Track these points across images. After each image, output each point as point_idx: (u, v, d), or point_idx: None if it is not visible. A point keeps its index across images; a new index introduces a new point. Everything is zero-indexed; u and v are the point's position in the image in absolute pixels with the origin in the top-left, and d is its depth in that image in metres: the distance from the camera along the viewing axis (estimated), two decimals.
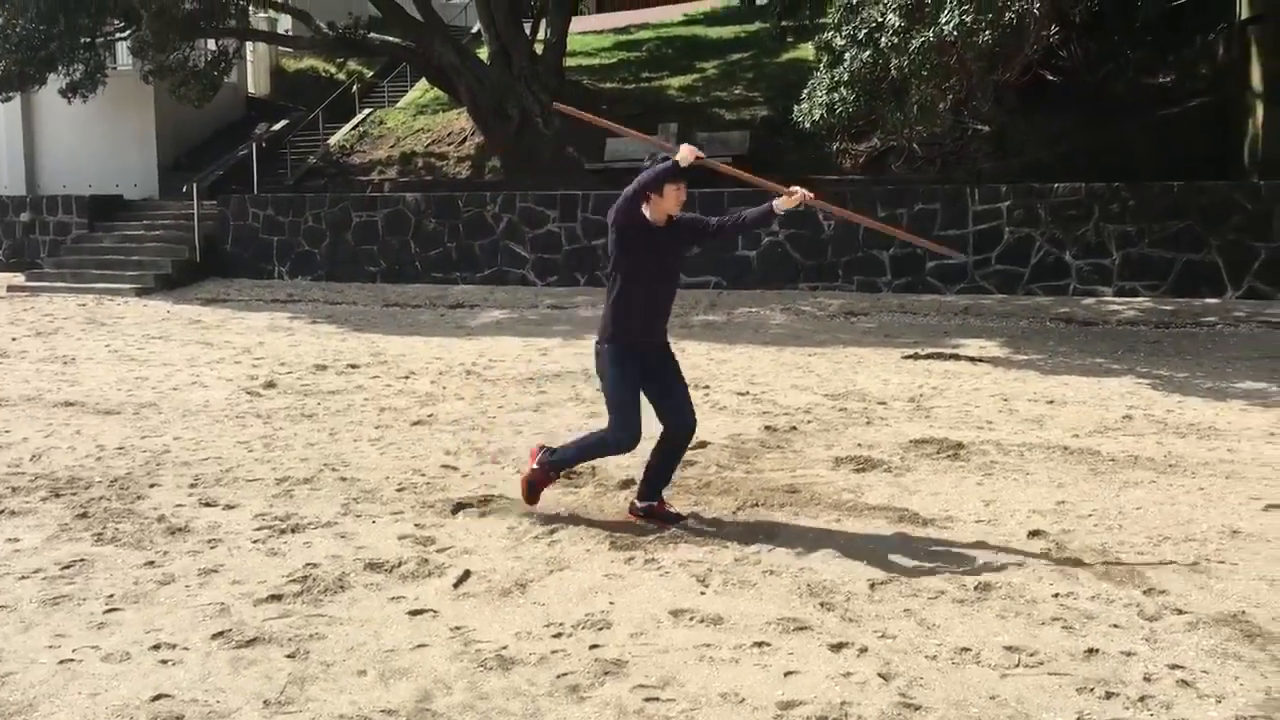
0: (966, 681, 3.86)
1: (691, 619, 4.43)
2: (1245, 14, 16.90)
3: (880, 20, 12.60)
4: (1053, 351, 11.34)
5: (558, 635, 4.30)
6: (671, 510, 5.77)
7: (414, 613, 4.54)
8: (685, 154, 5.25)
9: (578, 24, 26.28)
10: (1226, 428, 7.82)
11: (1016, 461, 6.91)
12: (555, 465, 5.79)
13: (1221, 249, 13.95)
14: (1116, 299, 14.21)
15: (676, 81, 23.16)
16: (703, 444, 7.19)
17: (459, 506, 6.02)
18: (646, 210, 5.46)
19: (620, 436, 5.48)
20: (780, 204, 5.51)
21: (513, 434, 7.87)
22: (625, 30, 28.86)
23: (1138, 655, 4.04)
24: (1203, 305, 13.53)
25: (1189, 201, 14.13)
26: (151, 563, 5.17)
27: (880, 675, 3.91)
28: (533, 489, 5.82)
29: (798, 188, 5.51)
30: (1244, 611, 4.42)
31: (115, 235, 20.57)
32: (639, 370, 5.52)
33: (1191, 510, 5.84)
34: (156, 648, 4.20)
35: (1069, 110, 17.64)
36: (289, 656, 4.12)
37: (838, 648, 4.14)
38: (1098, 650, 4.08)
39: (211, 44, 21.31)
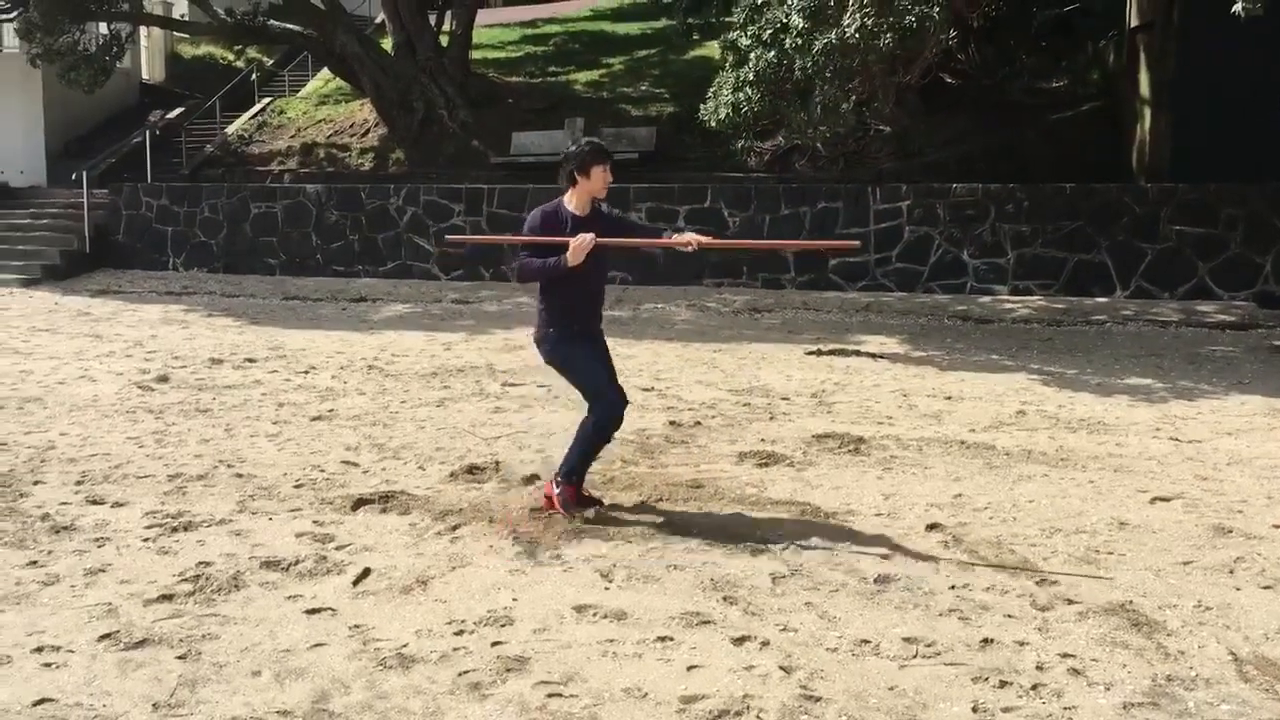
0: (866, 673, 3.91)
1: (595, 614, 4.42)
2: (1134, 22, 17.47)
3: (785, 21, 12.72)
4: (950, 348, 11.58)
5: (459, 632, 4.25)
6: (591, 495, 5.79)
7: (311, 611, 4.45)
8: (575, 251, 5.24)
9: (484, 16, 26.03)
10: (1115, 422, 8.07)
11: (915, 456, 7.03)
12: (569, 476, 5.59)
13: (1111, 249, 14.41)
14: (1011, 297, 14.56)
15: (583, 76, 23.08)
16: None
17: (359, 503, 5.92)
18: (570, 204, 5.47)
19: (608, 410, 5.45)
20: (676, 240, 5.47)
21: (415, 429, 7.77)
22: (532, 24, 28.70)
23: (1031, 645, 4.14)
24: (1093, 304, 13.95)
25: (1080, 203, 14.55)
26: (34, 562, 4.99)
27: (782, 668, 3.94)
28: (569, 507, 5.57)
29: (691, 237, 5.44)
30: (1131, 601, 4.56)
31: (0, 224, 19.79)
32: (591, 347, 5.57)
33: (1082, 503, 6.01)
34: (39, 650, 4.05)
35: (967, 113, 18.02)
36: (180, 658, 4.00)
37: (740, 641, 4.16)
38: (992, 640, 4.17)
39: (103, 27, 20.60)
